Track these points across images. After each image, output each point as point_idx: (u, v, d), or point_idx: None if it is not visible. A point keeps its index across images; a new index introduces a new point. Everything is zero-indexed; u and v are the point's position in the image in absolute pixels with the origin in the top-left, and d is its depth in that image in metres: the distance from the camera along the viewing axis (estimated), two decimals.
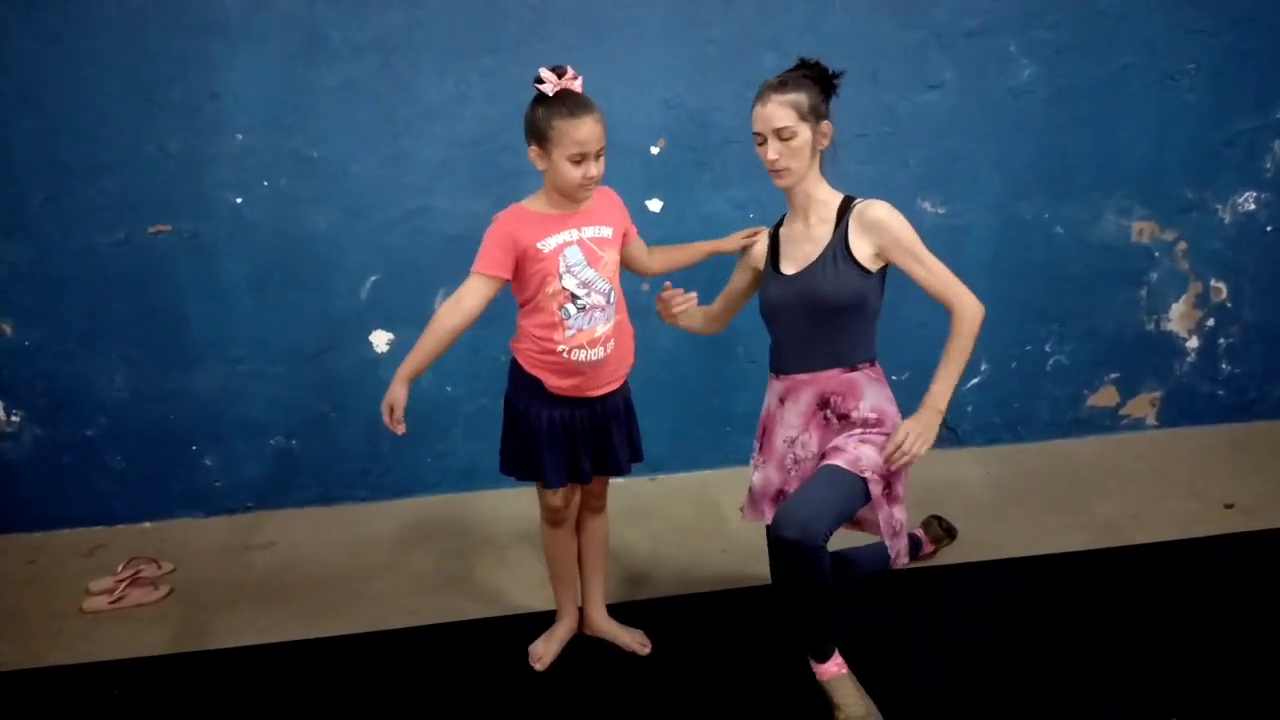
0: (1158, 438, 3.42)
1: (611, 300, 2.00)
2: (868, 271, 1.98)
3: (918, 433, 1.90)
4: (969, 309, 1.95)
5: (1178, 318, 3.37)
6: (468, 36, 2.74)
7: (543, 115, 1.86)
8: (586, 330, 1.97)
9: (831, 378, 2.03)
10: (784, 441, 2.08)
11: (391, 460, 3.05)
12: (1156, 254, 3.29)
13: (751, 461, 2.20)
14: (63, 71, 2.60)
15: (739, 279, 2.24)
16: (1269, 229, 3.32)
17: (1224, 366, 3.45)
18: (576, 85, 1.88)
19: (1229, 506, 2.89)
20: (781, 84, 1.99)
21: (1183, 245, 3.29)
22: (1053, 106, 3.07)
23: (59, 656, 2.31)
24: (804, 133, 1.98)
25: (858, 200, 2.03)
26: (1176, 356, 3.41)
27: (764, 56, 2.87)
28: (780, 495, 2.11)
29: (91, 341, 2.81)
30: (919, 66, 2.96)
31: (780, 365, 2.11)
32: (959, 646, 2.23)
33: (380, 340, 2.94)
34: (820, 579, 1.90)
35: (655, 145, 2.89)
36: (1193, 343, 3.41)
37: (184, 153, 2.70)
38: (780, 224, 2.17)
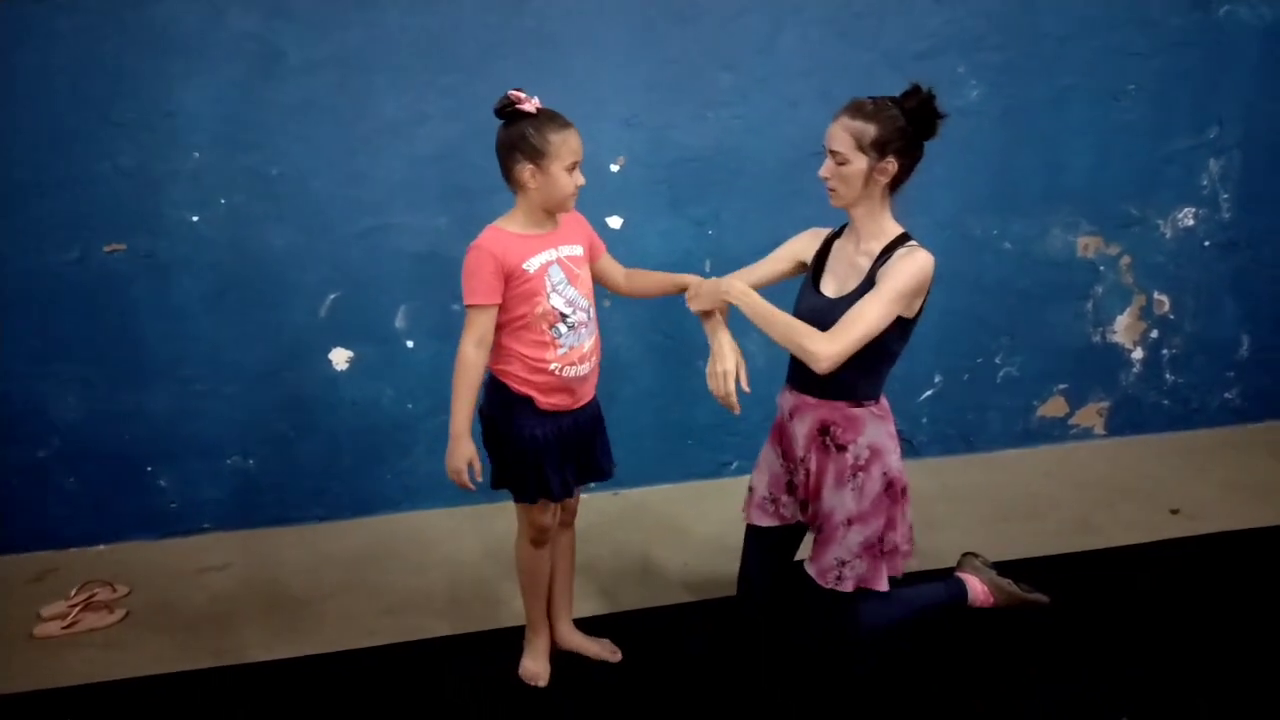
0: (1105, 446, 3.51)
1: (591, 315, 2.05)
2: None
3: (706, 285, 2.09)
4: (822, 345, 1.92)
5: (1123, 330, 3.47)
6: (427, 54, 2.75)
7: (535, 131, 1.89)
8: (577, 347, 2.01)
9: (836, 408, 2.06)
10: (799, 459, 2.14)
11: (351, 479, 3.03)
12: (1101, 268, 3.39)
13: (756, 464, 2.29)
14: (13, 87, 2.56)
15: (778, 266, 2.22)
16: (1207, 244, 3.44)
17: (1168, 377, 3.56)
18: (539, 104, 1.94)
19: (1175, 512, 2.98)
20: (860, 107, 1.96)
21: (1126, 259, 3.40)
22: (1000, 126, 3.16)
23: (10, 684, 2.25)
24: (858, 163, 1.95)
25: (908, 244, 2.00)
26: (1122, 367, 3.51)
27: (720, 76, 2.93)
28: (774, 505, 2.23)
29: (44, 361, 2.76)
30: (870, 87, 2.97)
31: (793, 378, 2.13)
32: (913, 653, 2.27)
33: (340, 358, 2.92)
34: (897, 636, 2.20)
35: (615, 163, 2.93)
36: (1137, 354, 3.51)
37: (139, 170, 2.67)
38: (839, 233, 2.16)
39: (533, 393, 2.01)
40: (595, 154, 2.86)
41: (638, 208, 2.98)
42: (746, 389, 2.05)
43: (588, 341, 2.04)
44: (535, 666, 2.22)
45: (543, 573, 2.21)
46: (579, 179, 1.96)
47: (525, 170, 1.92)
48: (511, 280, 1.94)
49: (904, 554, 2.14)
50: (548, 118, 1.92)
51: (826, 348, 1.91)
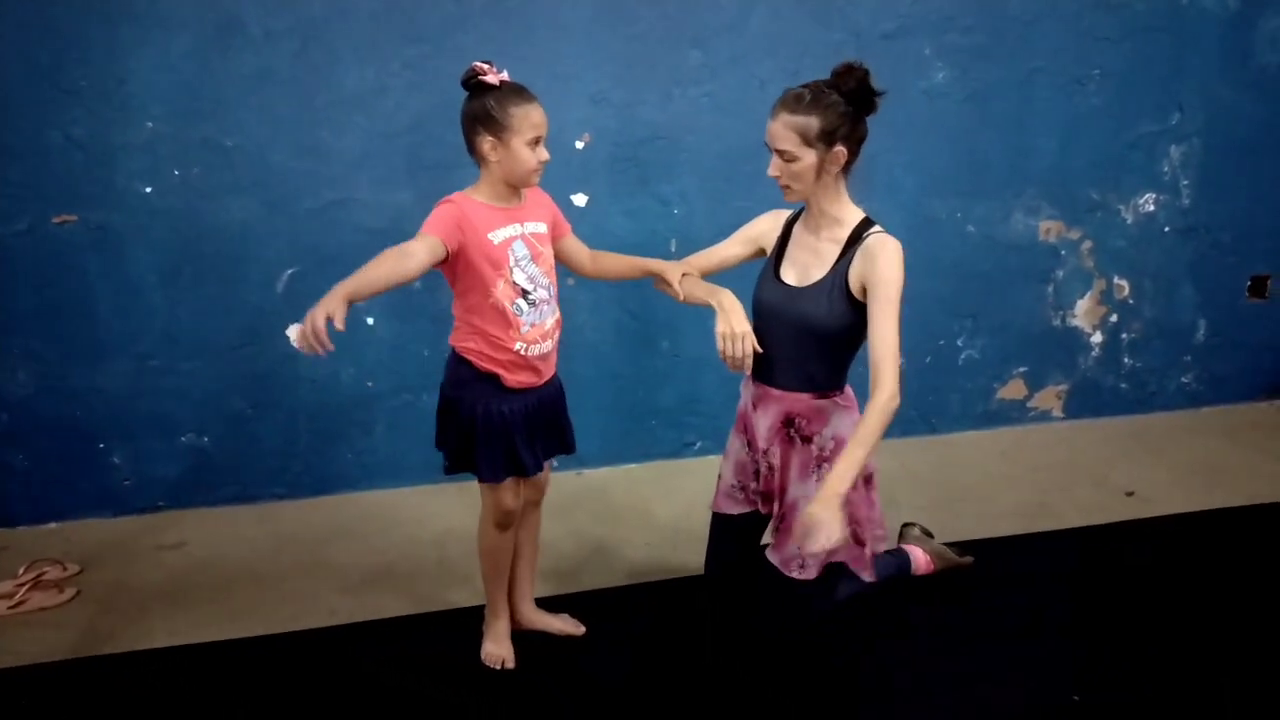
0: (1063, 429, 3.56)
1: (553, 293, 2.04)
2: (861, 305, 1.95)
3: (822, 523, 1.77)
4: (884, 398, 1.84)
5: (1083, 314, 3.51)
6: (389, 26, 2.70)
7: (495, 104, 1.87)
8: (539, 325, 2.00)
9: (800, 400, 2.04)
10: (762, 451, 2.12)
11: (310, 457, 3.00)
12: (1063, 252, 3.42)
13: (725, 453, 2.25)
14: None
15: (737, 249, 2.17)
16: (1167, 229, 3.48)
17: (1126, 361, 3.61)
18: (505, 77, 1.91)
19: (1130, 494, 3.03)
20: (797, 100, 1.88)
21: (1088, 244, 3.43)
22: (965, 108, 3.16)
23: None
24: (807, 158, 1.89)
25: (873, 230, 1.97)
26: (1081, 351, 3.56)
27: (689, 54, 2.90)
28: (742, 492, 2.20)
29: None
30: None
31: (755, 369, 2.08)
32: (870, 631, 2.30)
33: (299, 335, 2.87)
34: (848, 606, 2.17)
35: (580, 140, 2.90)
36: (1097, 338, 3.55)
37: (91, 140, 2.60)
38: (799, 216, 2.11)
39: (498, 370, 1.99)
40: (560, 130, 2.84)
41: (603, 186, 2.95)
42: (759, 349, 1.95)
43: (549, 319, 2.03)
44: (499, 650, 2.21)
45: (506, 557, 2.20)
46: (543, 154, 1.93)
47: (486, 143, 1.90)
48: (475, 248, 1.91)
49: (879, 537, 2.15)
50: (511, 91, 1.89)
51: (886, 396, 1.83)
